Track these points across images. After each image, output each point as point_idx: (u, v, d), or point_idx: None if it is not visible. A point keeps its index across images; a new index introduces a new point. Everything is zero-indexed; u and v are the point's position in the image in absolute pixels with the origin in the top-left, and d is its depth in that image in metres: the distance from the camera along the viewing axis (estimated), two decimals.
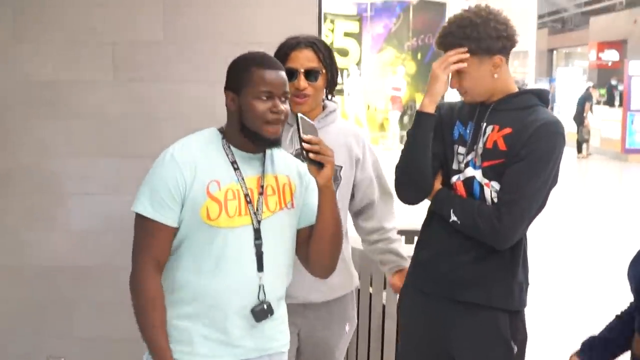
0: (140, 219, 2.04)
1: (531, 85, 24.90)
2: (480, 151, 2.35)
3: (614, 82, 23.19)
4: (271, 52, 2.36)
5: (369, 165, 2.70)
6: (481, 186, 2.34)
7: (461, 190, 2.39)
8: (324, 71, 2.57)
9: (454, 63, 2.32)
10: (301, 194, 2.19)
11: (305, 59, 2.54)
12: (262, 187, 2.09)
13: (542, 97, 2.40)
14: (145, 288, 2.01)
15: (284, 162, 2.19)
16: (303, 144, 2.00)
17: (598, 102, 21.29)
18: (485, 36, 2.31)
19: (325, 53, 2.58)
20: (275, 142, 2.07)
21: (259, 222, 2.06)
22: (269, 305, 2.07)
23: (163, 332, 2.01)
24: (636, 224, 9.64)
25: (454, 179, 2.41)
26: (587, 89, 19.15)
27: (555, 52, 34.63)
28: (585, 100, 18.16)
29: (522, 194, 2.27)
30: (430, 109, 2.38)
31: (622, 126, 16.91)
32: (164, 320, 2.02)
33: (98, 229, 3.37)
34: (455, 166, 2.41)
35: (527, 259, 2.43)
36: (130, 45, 3.32)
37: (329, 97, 2.69)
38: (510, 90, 2.39)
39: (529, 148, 2.27)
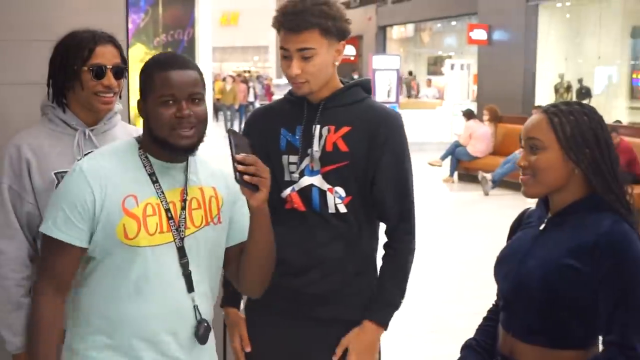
0: (45, 239, 1.87)
1: (275, 80, 25.59)
2: (317, 155, 2.20)
3: (355, 76, 24.69)
4: None
5: None
6: (322, 192, 2.20)
7: (297, 201, 2.22)
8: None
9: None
10: (229, 209, 2.00)
11: (111, 55, 2.31)
12: (185, 200, 1.91)
13: (366, 88, 2.30)
14: (41, 315, 1.84)
15: (209, 171, 2.00)
16: (237, 164, 1.78)
17: None
18: (340, 16, 2.15)
19: (122, 50, 2.38)
20: (190, 149, 1.88)
21: (182, 239, 1.89)
22: (209, 324, 1.93)
23: None
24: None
25: (287, 191, 2.23)
26: None
27: None
28: None
29: (410, 199, 2.25)
30: None
31: None
32: (54, 355, 1.83)
33: None
34: (287, 177, 2.24)
35: None
36: None
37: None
38: (337, 84, 2.26)
39: (387, 148, 2.20)
